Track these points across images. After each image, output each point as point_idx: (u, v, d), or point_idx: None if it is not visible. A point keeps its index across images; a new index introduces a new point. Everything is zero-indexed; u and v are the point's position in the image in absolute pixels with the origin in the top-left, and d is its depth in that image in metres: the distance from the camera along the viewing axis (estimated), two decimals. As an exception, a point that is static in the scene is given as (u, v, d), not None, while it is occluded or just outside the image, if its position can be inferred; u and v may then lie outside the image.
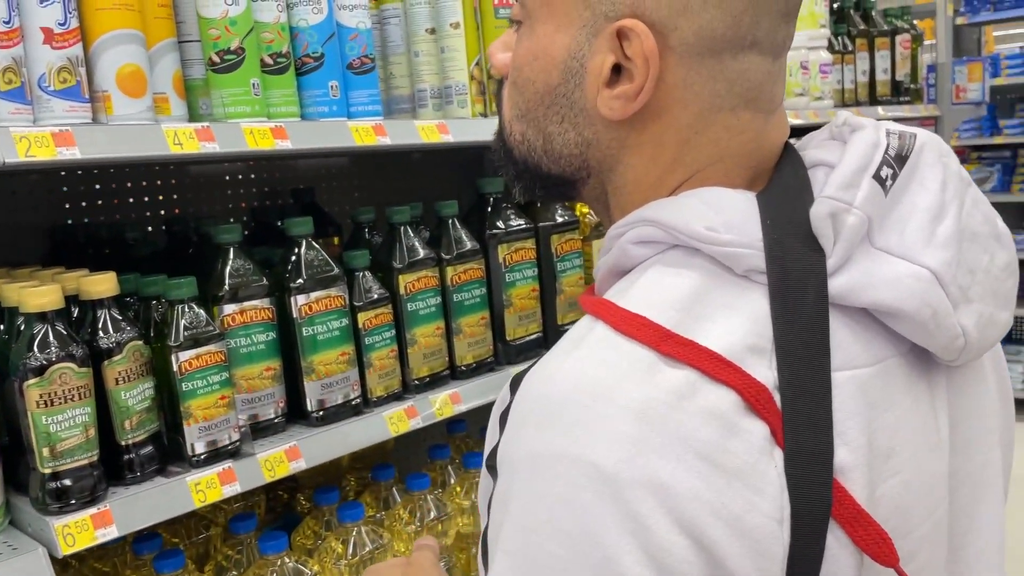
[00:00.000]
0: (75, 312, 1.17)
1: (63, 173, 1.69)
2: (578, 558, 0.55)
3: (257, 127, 1.23)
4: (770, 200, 0.64)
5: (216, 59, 1.23)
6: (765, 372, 0.58)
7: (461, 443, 1.88)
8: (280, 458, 1.28)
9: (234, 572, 1.42)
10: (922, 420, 0.65)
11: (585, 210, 1.84)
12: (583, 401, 0.58)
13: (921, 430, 0.64)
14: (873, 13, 3.02)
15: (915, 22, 3.27)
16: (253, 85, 1.25)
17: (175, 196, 1.83)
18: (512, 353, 1.67)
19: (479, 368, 1.61)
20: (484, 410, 1.62)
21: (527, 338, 1.69)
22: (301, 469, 1.31)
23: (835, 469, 0.57)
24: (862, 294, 0.61)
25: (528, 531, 0.57)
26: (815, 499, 0.56)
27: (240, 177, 2.02)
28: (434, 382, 1.55)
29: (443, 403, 1.52)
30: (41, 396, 1.05)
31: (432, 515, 1.58)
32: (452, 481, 1.72)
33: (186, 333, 1.19)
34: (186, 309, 1.21)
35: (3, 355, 1.13)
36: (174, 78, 1.23)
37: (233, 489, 1.22)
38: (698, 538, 0.54)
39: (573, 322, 1.86)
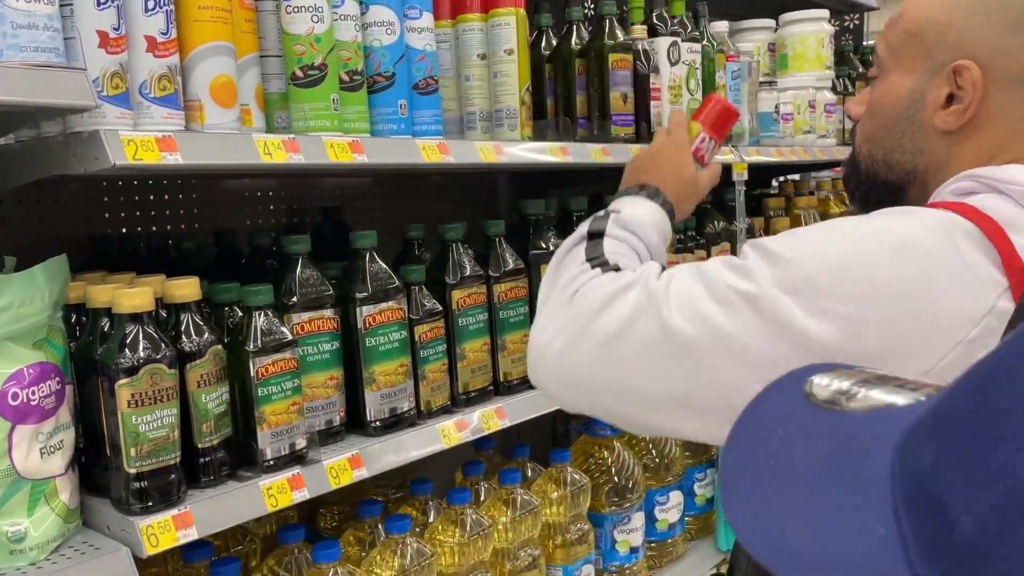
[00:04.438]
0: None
1: (104, 183, 1.70)
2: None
3: (337, 141, 1.27)
4: None
5: (300, 74, 1.26)
6: None
7: (487, 460, 1.91)
8: (344, 466, 1.30)
9: (285, 581, 1.43)
10: None
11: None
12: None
13: None
14: (870, 57, 3.15)
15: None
16: (333, 100, 1.29)
17: (205, 210, 1.84)
18: (551, 371, 1.70)
19: (520, 385, 1.65)
20: (519, 428, 1.66)
21: (565, 357, 1.73)
22: (363, 477, 1.33)
23: None
24: None
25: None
26: None
27: (271, 194, 2.05)
28: (480, 396, 1.58)
29: (489, 417, 1.55)
30: (133, 396, 1.06)
31: (471, 530, 1.60)
32: (485, 497, 1.74)
33: (264, 339, 1.21)
34: (263, 316, 1.23)
35: (86, 356, 1.14)
36: (256, 91, 1.26)
37: (302, 495, 1.24)
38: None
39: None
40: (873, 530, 0.32)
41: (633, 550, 1.97)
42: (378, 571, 1.45)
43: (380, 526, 1.59)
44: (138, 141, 1.03)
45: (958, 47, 0.95)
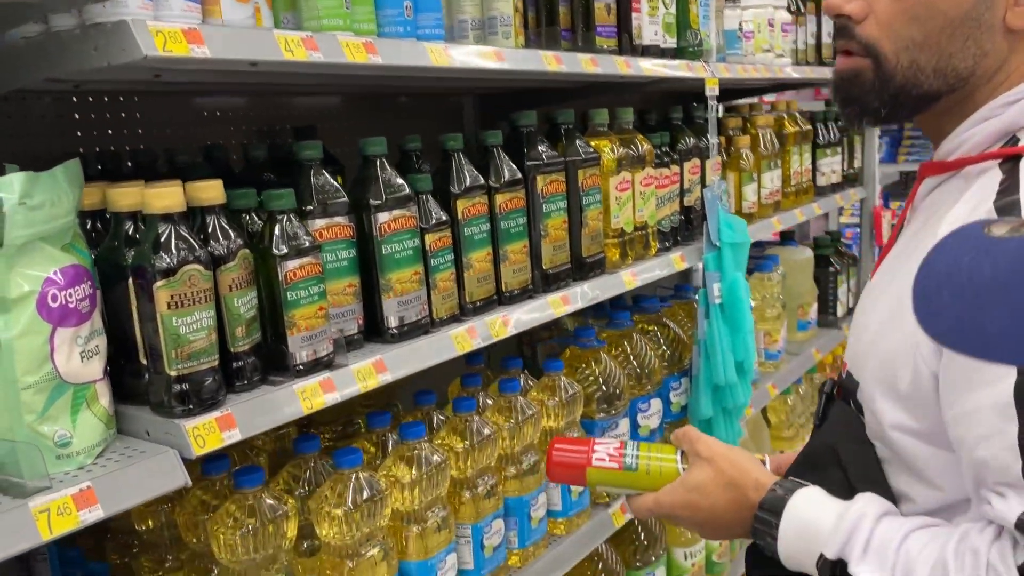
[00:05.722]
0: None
1: (74, 99, 1.63)
2: None
3: (352, 40, 1.24)
4: None
5: (311, -30, 1.23)
6: None
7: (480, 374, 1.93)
8: (369, 371, 1.31)
9: (303, 490, 1.44)
10: None
11: (605, 147, 1.91)
12: None
13: None
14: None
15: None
16: (346, 0, 1.26)
17: (176, 129, 1.78)
18: (548, 281, 1.73)
19: (521, 294, 1.67)
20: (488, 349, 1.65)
21: (560, 267, 1.76)
22: (387, 381, 1.34)
23: None
24: None
25: None
26: None
27: (239, 113, 1.99)
28: (485, 306, 1.59)
29: (498, 326, 1.57)
30: (173, 297, 1.05)
31: (478, 436, 1.63)
32: (485, 407, 1.78)
33: (291, 243, 1.20)
34: (288, 220, 1.21)
35: (110, 261, 1.11)
36: (266, -12, 1.22)
37: (333, 398, 1.25)
38: None
39: (597, 255, 1.94)
40: None
41: (621, 455, 2.04)
42: (397, 474, 1.47)
43: (390, 435, 1.61)
44: (166, 32, 1.00)
45: None
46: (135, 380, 1.13)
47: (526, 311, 1.64)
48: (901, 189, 6.10)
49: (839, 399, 1.08)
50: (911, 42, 0.93)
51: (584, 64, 1.75)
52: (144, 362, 1.10)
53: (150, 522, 1.40)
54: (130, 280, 1.08)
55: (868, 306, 1.05)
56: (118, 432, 1.12)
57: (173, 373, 1.07)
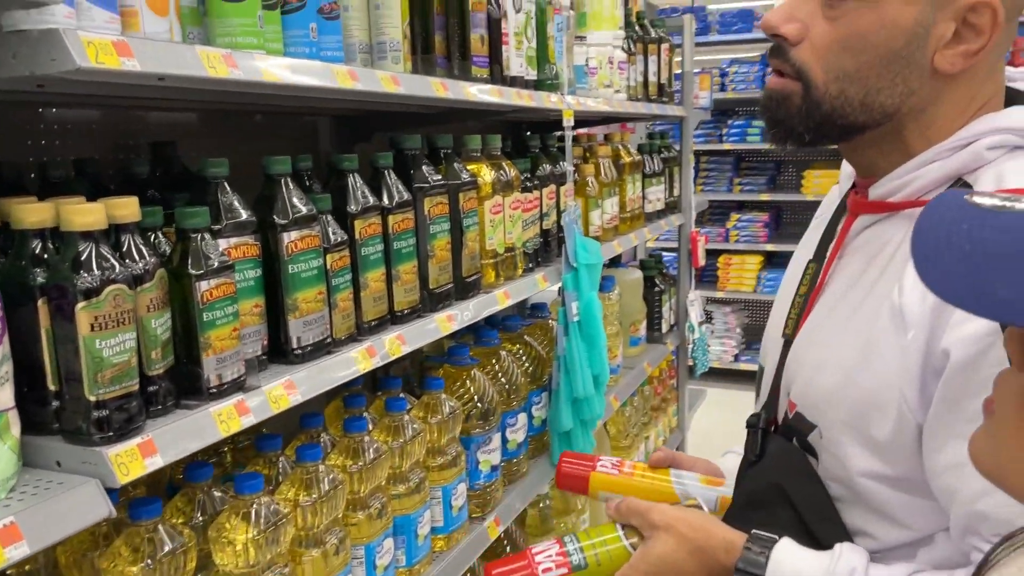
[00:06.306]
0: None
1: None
2: None
3: (266, 60, 1.24)
4: None
5: (226, -13, 1.21)
6: None
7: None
8: (280, 392, 1.29)
9: (197, 519, 1.38)
10: None
11: (481, 171, 1.99)
12: None
13: None
14: (646, 22, 3.49)
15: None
16: (259, 18, 1.25)
17: (27, 140, 1.66)
18: (435, 301, 1.78)
19: (411, 314, 1.70)
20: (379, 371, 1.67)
21: (444, 287, 1.81)
22: (298, 402, 1.32)
23: None
24: None
25: None
26: None
27: (94, 127, 1.88)
28: (379, 325, 1.61)
29: (393, 344, 1.59)
30: (97, 318, 0.99)
31: (370, 456, 1.63)
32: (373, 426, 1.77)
33: (207, 262, 1.17)
34: (202, 238, 1.18)
35: (15, 281, 1.03)
36: (175, 2, 1.19)
37: (248, 420, 1.22)
38: None
39: (475, 275, 2.02)
40: None
41: (493, 468, 2.11)
42: (296, 498, 1.45)
43: (282, 460, 1.58)
44: (97, 43, 0.96)
45: None
46: (39, 408, 1.05)
47: (417, 330, 1.67)
48: (700, 218, 6.64)
49: (777, 435, 1.06)
50: (842, 72, 0.93)
51: (466, 92, 1.82)
52: (53, 388, 1.03)
53: (27, 566, 1.29)
54: (41, 301, 1.01)
55: (817, 345, 1.02)
56: (26, 465, 1.04)
57: (93, 398, 1.01)
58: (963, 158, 0.92)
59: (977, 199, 0.56)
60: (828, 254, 1.08)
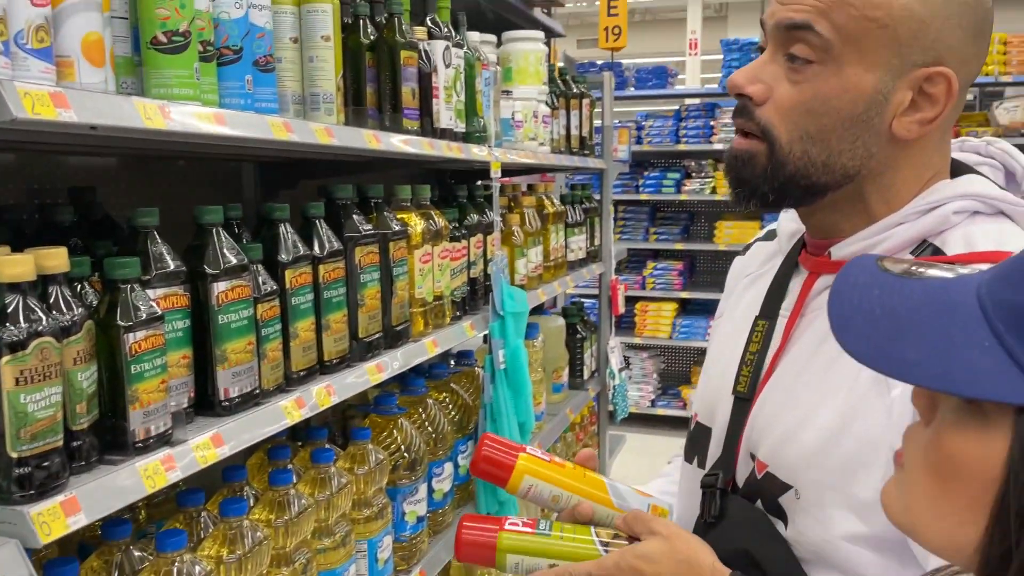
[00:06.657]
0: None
1: None
2: None
3: (202, 111, 1.24)
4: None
5: (163, 39, 1.21)
6: None
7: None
8: (207, 444, 1.27)
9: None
10: None
11: (411, 220, 2.01)
12: None
13: None
14: (568, 78, 3.60)
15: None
16: (196, 70, 1.25)
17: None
18: (364, 350, 1.77)
19: (340, 363, 1.70)
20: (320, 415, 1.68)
21: (374, 336, 1.81)
22: (225, 455, 1.30)
23: None
24: None
25: None
26: None
27: (10, 170, 1.83)
28: (308, 375, 1.60)
29: (323, 395, 1.58)
30: (23, 372, 0.97)
31: (295, 511, 1.60)
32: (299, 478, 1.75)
33: (136, 313, 1.15)
34: (132, 289, 1.16)
35: (-68, 334, 0.99)
36: (111, 53, 1.18)
37: (175, 476, 1.19)
38: None
39: (404, 323, 2.03)
40: (977, 343, 0.52)
41: (419, 520, 2.10)
42: (220, 555, 1.41)
43: (204, 514, 1.54)
44: (34, 95, 0.95)
45: (932, 49, 0.91)
46: (-47, 466, 1.01)
47: (346, 380, 1.67)
48: (619, 266, 6.80)
49: (737, 496, 1.04)
50: (805, 133, 0.95)
51: (398, 144, 1.84)
52: (-28, 445, 0.99)
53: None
54: (-39, 354, 0.98)
55: (788, 407, 1.00)
56: (-70, 527, 0.99)
57: (15, 455, 0.98)
58: (929, 221, 0.95)
59: (887, 264, 0.61)
60: (785, 313, 1.06)
